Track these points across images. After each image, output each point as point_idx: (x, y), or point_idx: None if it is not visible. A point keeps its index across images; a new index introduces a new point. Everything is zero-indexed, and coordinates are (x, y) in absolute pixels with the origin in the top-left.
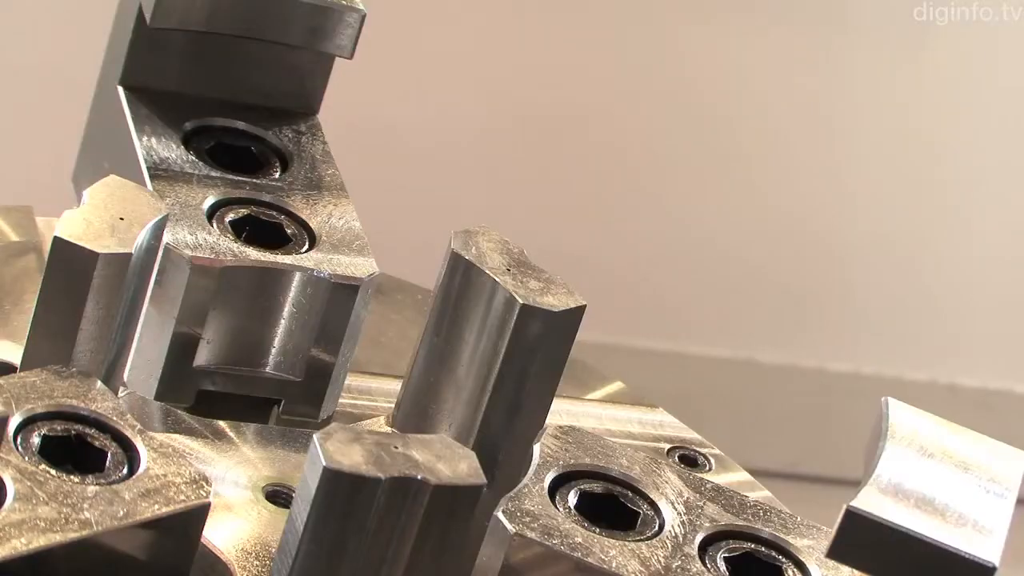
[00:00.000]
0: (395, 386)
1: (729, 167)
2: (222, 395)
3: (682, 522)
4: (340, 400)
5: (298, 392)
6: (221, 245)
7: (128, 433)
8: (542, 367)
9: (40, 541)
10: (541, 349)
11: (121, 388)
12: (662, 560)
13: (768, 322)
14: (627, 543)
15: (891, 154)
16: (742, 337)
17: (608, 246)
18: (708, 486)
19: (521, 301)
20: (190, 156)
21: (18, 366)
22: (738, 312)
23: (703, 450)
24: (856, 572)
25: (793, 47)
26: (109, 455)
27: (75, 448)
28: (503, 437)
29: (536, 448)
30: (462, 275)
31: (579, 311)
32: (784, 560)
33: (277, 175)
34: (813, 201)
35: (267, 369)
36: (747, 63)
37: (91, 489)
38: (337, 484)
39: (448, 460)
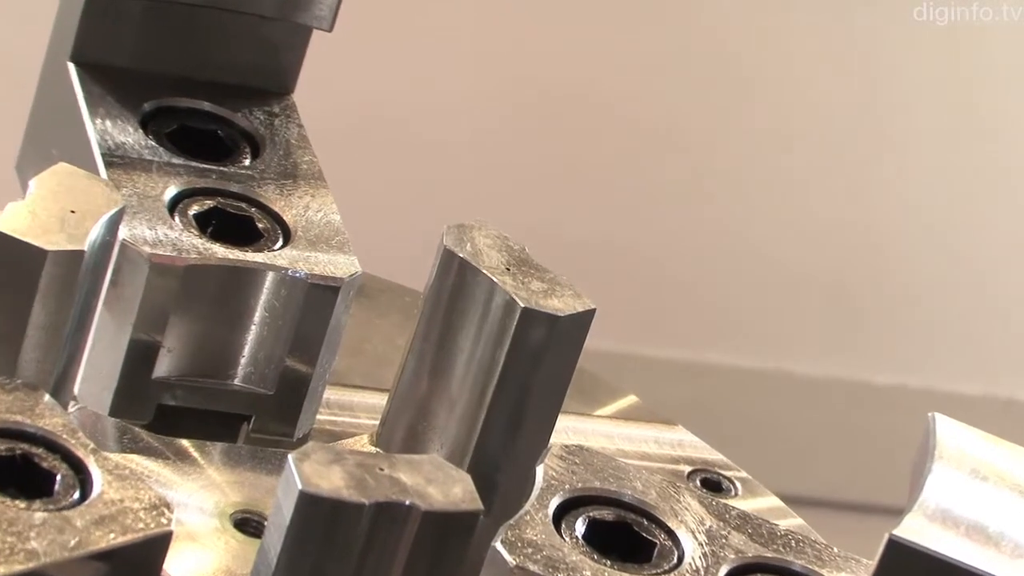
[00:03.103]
0: (380, 400)
1: (760, 154)
2: (185, 410)
3: (704, 554)
4: (318, 416)
5: (271, 407)
6: (184, 241)
7: (80, 453)
8: (546, 379)
9: None
10: (545, 358)
11: (72, 402)
12: None
13: (803, 329)
14: None
15: (944, 144)
16: (773, 345)
17: (621, 242)
18: (733, 513)
19: (522, 304)
20: (149, 141)
21: None
22: (769, 317)
23: (728, 473)
24: None
25: (831, 34)
26: (58, 477)
27: (20, 470)
28: (502, 457)
29: (539, 470)
30: (456, 275)
31: (587, 316)
32: None
33: (247, 162)
34: (852, 194)
35: (236, 381)
36: (781, 48)
37: (39, 516)
38: (315, 510)
39: (440, 483)
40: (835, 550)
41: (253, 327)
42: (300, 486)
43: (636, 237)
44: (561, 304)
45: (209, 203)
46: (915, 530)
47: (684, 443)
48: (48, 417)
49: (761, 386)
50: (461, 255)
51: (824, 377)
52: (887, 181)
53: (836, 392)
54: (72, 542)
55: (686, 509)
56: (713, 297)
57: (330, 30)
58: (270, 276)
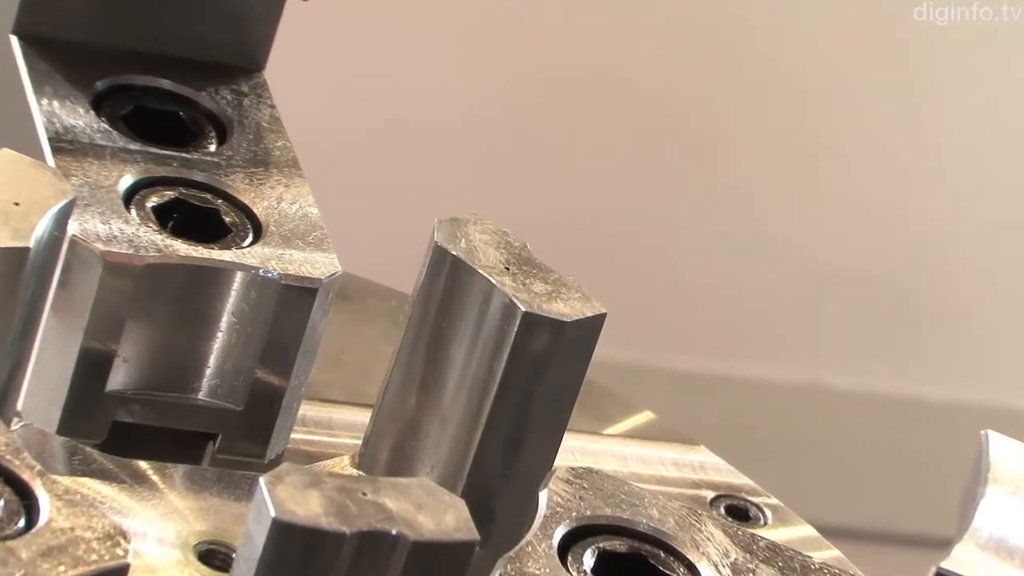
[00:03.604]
0: (363, 417)
1: (800, 143)
2: (143, 428)
3: None
4: (293, 435)
5: (239, 424)
6: (141, 237)
7: (25, 476)
8: (550, 392)
9: None
10: (549, 369)
11: (15, 419)
12: None
13: (842, 337)
14: None
15: (1004, 139)
16: (808, 356)
17: (635, 239)
18: (762, 544)
19: (523, 308)
20: (102, 124)
21: None
22: (803, 324)
23: (756, 499)
24: None
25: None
26: (1, 503)
27: None
28: (501, 481)
29: (543, 495)
30: (448, 275)
31: (597, 321)
32: None
33: (212, 148)
34: (897, 190)
35: (200, 395)
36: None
37: None
38: (289, 540)
39: (431, 510)
40: None
41: (219, 334)
42: (273, 513)
43: (652, 233)
44: (567, 308)
45: (170, 194)
46: (966, 562)
47: (706, 465)
48: None
49: (794, 401)
50: (454, 253)
51: (865, 391)
52: (938, 177)
53: (878, 408)
54: (17, 575)
55: (708, 539)
56: (740, 301)
57: None
58: (238, 276)
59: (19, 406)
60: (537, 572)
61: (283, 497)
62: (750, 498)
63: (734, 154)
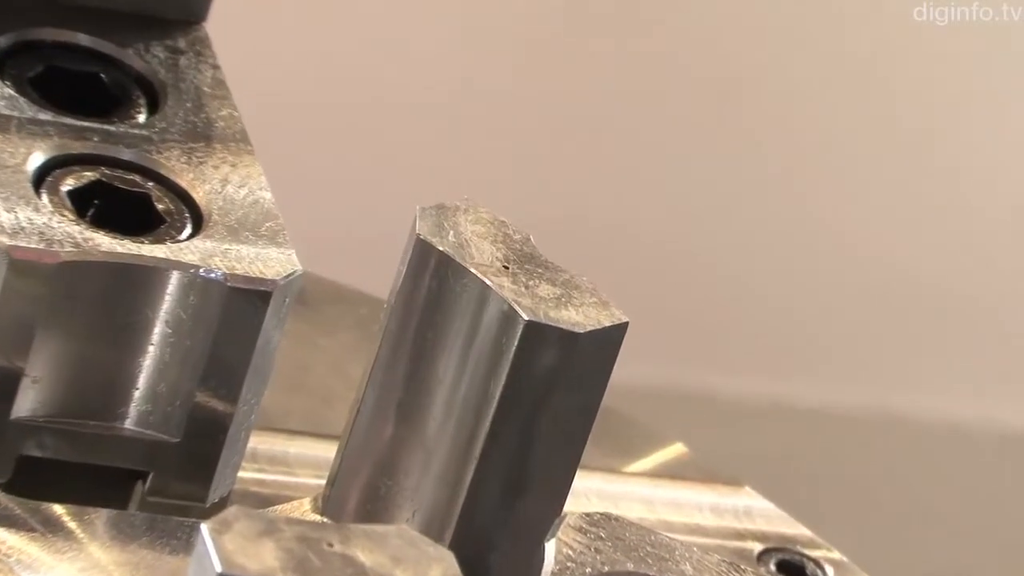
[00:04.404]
0: (327, 451)
1: (875, 130)
2: (58, 464)
3: None
4: (241, 473)
5: (176, 460)
6: (55, 229)
7: None
8: (560, 420)
9: None
10: (558, 392)
11: None
12: None
13: (921, 357)
14: None
15: None
16: (877, 378)
17: (665, 232)
18: None
19: (526, 317)
20: (6, 89)
21: None
22: (871, 340)
23: (814, 552)
24: None
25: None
26: None
27: None
28: (498, 529)
29: (550, 547)
30: (433, 276)
31: (617, 333)
32: None
33: (142, 118)
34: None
35: (127, 424)
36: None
37: None
38: None
39: (412, 564)
40: None
41: (151, 349)
42: (219, 567)
43: (683, 226)
44: (580, 316)
45: (90, 175)
46: None
47: (753, 511)
48: None
49: (860, 434)
50: (441, 248)
51: (948, 421)
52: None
53: (966, 442)
54: None
55: None
56: (793, 312)
57: None
58: (174, 277)
59: None
60: None
61: (231, 548)
62: (806, 551)
63: (784, 148)
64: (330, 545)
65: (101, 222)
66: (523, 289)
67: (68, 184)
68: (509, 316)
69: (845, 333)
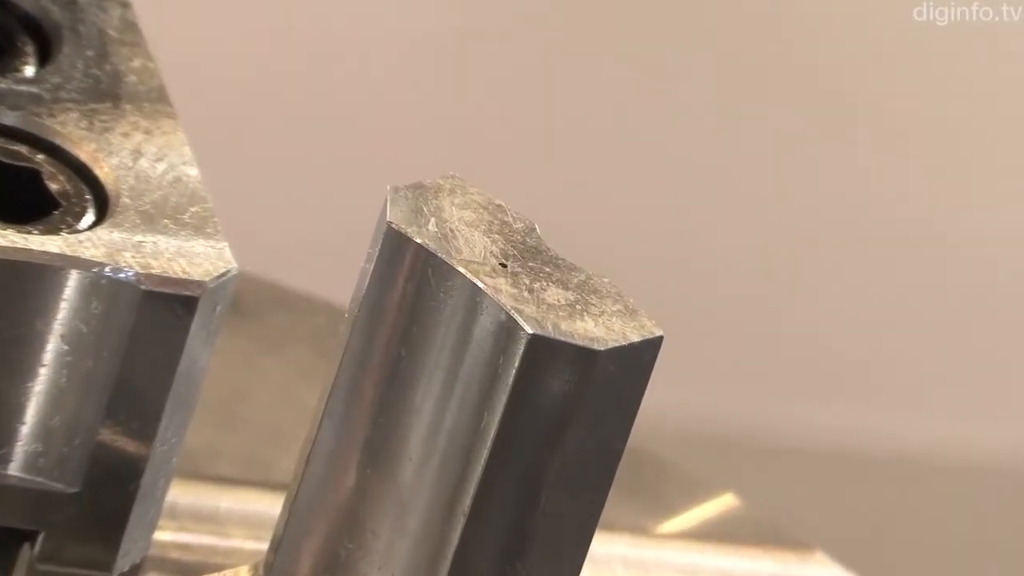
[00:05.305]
0: (270, 504)
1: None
2: None
3: None
4: (158, 534)
5: (74, 516)
6: None
7: None
8: (573, 463)
9: None
10: (572, 426)
11: None
12: None
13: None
14: None
15: None
16: (982, 420)
17: (704, 234)
18: None
19: (530, 330)
20: None
21: None
22: (973, 374)
23: None
24: None
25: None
26: None
27: None
28: None
29: None
30: (410, 276)
31: (648, 349)
32: None
33: (29, 71)
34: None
35: (10, 470)
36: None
37: None
38: None
39: None
40: None
41: (41, 371)
42: None
43: (729, 227)
44: (600, 329)
45: None
46: None
47: None
48: None
49: (958, 486)
50: (419, 240)
51: None
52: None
53: None
54: None
55: None
56: (867, 340)
57: None
58: (72, 278)
59: None
60: None
61: None
62: None
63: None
64: None
65: None
66: (526, 294)
67: None
68: (508, 329)
69: (928, 370)
